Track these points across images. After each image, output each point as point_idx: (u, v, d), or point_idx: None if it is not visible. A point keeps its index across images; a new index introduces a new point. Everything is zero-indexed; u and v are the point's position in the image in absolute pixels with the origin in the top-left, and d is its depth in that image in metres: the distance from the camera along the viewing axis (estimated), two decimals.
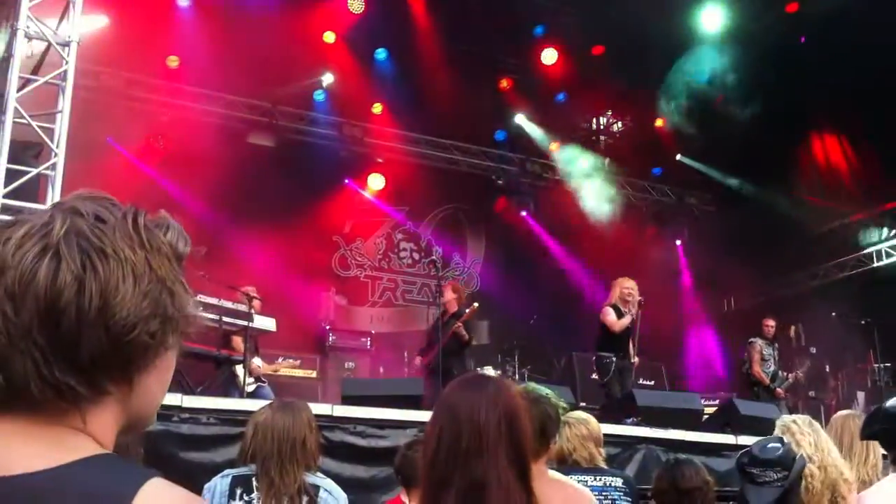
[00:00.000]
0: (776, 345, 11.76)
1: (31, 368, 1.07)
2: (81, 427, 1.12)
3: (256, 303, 10.14)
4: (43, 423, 1.10)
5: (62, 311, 1.07)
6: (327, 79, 15.10)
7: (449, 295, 10.87)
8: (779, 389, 11.31)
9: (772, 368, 11.47)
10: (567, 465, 4.72)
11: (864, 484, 4.19)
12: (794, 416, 4.23)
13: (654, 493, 4.33)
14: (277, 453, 3.89)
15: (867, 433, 3.86)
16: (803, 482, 3.62)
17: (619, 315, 10.04)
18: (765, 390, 11.33)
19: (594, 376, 10.02)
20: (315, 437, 4.11)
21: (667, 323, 15.50)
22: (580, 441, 4.78)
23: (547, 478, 3.51)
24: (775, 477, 3.44)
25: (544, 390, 3.75)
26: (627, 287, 10.13)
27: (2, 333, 1.07)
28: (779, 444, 3.59)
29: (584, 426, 4.85)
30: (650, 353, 15.41)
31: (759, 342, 11.57)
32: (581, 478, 4.50)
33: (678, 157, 17.82)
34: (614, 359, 9.95)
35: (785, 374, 11.60)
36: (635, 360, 10.25)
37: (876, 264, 15.33)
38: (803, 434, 3.94)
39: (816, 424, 4.06)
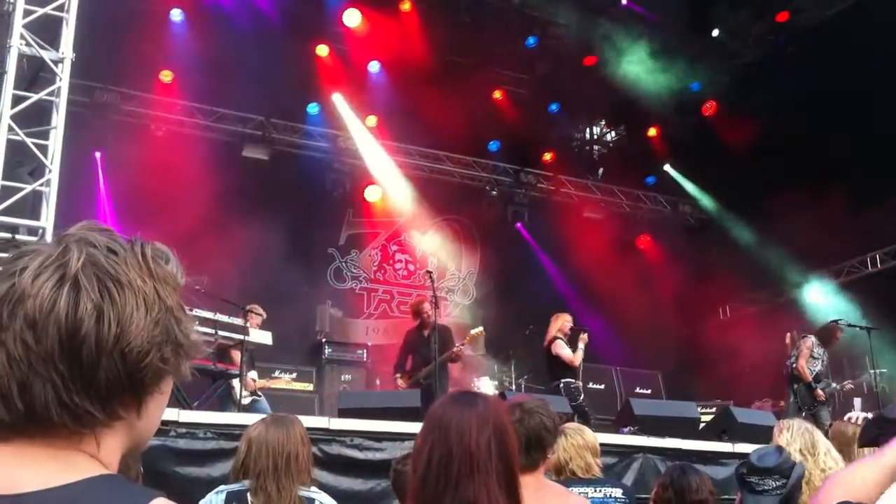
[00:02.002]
0: (826, 351, 11.39)
1: (51, 394, 1.10)
2: (94, 451, 1.15)
3: (259, 319, 10.14)
4: (57, 446, 1.13)
5: (83, 339, 1.11)
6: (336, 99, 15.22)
7: (429, 309, 10.93)
8: (819, 391, 10.96)
9: (818, 368, 11.12)
10: (564, 475, 4.71)
11: None
12: (788, 421, 4.21)
13: (657, 502, 4.29)
14: (273, 468, 3.88)
15: (866, 440, 3.87)
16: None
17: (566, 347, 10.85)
18: (806, 388, 11.03)
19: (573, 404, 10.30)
20: (308, 451, 4.09)
21: (663, 331, 15.53)
22: (576, 450, 4.77)
23: (548, 490, 3.51)
24: (774, 485, 3.44)
25: (539, 401, 3.74)
26: (568, 321, 11.04)
27: (22, 361, 1.10)
28: (777, 453, 3.59)
29: (580, 436, 4.84)
30: (648, 363, 15.47)
31: (812, 339, 11.25)
32: (581, 490, 4.49)
33: (666, 167, 17.90)
34: (579, 383, 10.73)
35: (830, 383, 11.27)
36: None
37: (871, 270, 15.37)
38: (793, 439, 3.95)
39: (815, 432, 4.03)
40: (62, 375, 1.10)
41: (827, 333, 11.30)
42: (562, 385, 10.50)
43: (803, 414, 10.54)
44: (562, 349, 10.68)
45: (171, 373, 1.21)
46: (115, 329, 1.12)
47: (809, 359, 11.00)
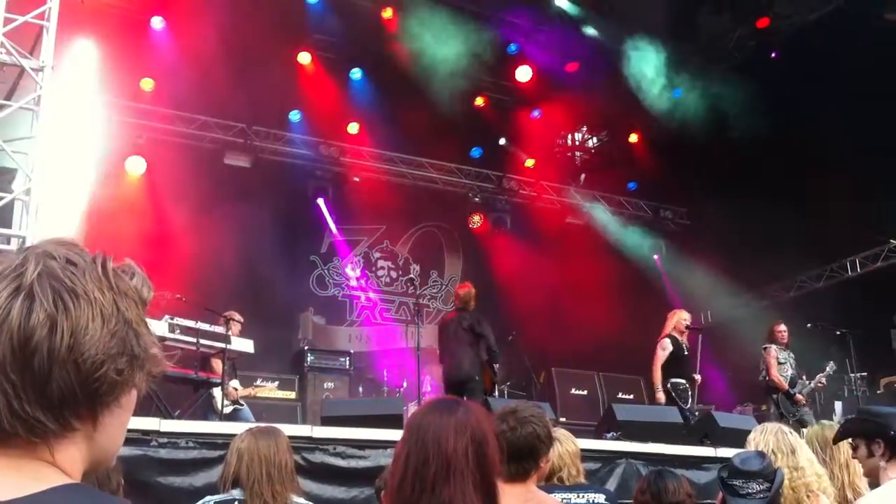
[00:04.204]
0: (790, 351, 11.46)
1: (2, 403, 1.11)
2: (51, 460, 1.15)
3: (237, 326, 10.11)
4: (13, 457, 1.13)
5: (35, 348, 1.11)
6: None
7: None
8: (799, 395, 10.99)
9: (789, 373, 11.09)
10: (553, 482, 4.71)
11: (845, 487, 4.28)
12: (761, 426, 4.26)
13: None
14: (267, 476, 3.94)
15: (849, 432, 3.97)
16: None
17: (675, 344, 10.60)
18: (785, 396, 11.08)
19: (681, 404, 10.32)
20: (293, 461, 4.15)
21: (645, 336, 15.55)
22: (570, 458, 4.78)
23: (537, 499, 3.51)
24: (758, 489, 3.47)
25: (534, 409, 3.74)
26: (685, 319, 10.86)
27: None
28: (760, 457, 3.63)
29: (571, 443, 4.85)
30: (631, 368, 15.49)
31: (773, 348, 11.18)
32: (564, 496, 4.49)
33: (647, 172, 17.97)
34: (686, 384, 10.46)
35: (807, 380, 11.32)
36: (697, 377, 10.75)
37: (850, 274, 15.47)
38: (764, 440, 4.00)
39: (789, 434, 4.07)
40: (13, 384, 1.10)
41: (771, 335, 11.38)
42: (669, 385, 10.44)
43: (790, 422, 10.62)
44: (659, 350, 10.52)
45: (127, 386, 1.20)
46: (67, 339, 1.12)
47: (777, 366, 11.06)
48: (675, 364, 10.49)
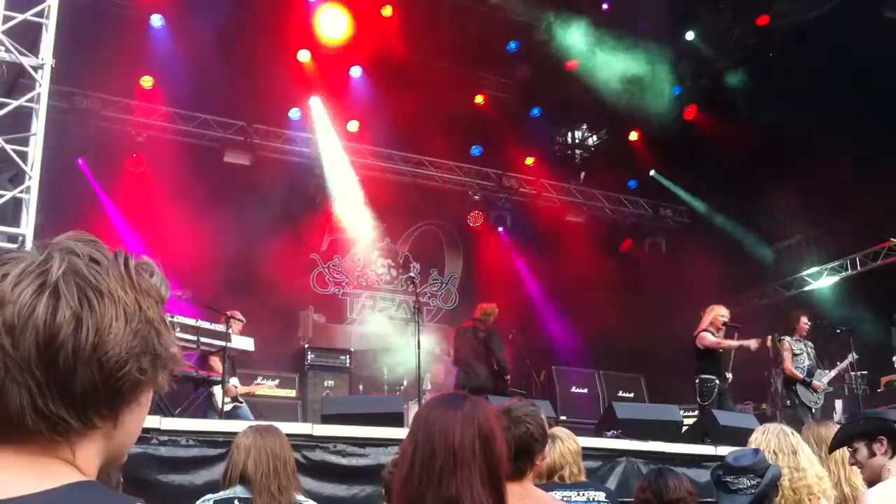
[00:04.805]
0: (807, 342, 11.45)
1: (26, 400, 1.11)
2: (70, 458, 1.15)
3: (238, 325, 10.12)
4: (33, 453, 1.13)
5: (60, 345, 1.11)
6: (314, 103, 15.20)
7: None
8: (816, 382, 10.97)
9: (806, 363, 11.11)
10: (554, 480, 4.71)
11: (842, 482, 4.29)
12: (764, 425, 4.27)
13: None
14: (273, 472, 3.96)
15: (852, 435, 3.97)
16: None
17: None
18: (803, 385, 11.05)
19: (699, 399, 10.30)
20: (293, 459, 4.16)
21: (646, 334, 15.57)
22: (571, 456, 4.79)
23: (535, 497, 3.51)
24: (748, 484, 3.49)
25: (528, 408, 3.73)
26: (723, 315, 10.71)
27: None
28: (752, 453, 3.64)
29: (571, 441, 4.86)
30: (631, 366, 15.51)
31: (787, 340, 11.22)
32: (565, 494, 4.49)
33: (651, 173, 17.99)
34: (717, 381, 10.36)
35: (824, 371, 11.31)
36: (729, 376, 10.70)
37: (851, 272, 15.46)
38: (767, 440, 4.01)
39: (792, 434, 4.07)
40: (38, 381, 1.10)
41: (791, 323, 11.40)
42: (697, 381, 10.43)
43: (812, 411, 10.69)
44: (705, 338, 10.45)
45: (148, 384, 1.21)
46: (92, 337, 1.12)
47: (793, 357, 11.08)
48: (707, 360, 10.45)
